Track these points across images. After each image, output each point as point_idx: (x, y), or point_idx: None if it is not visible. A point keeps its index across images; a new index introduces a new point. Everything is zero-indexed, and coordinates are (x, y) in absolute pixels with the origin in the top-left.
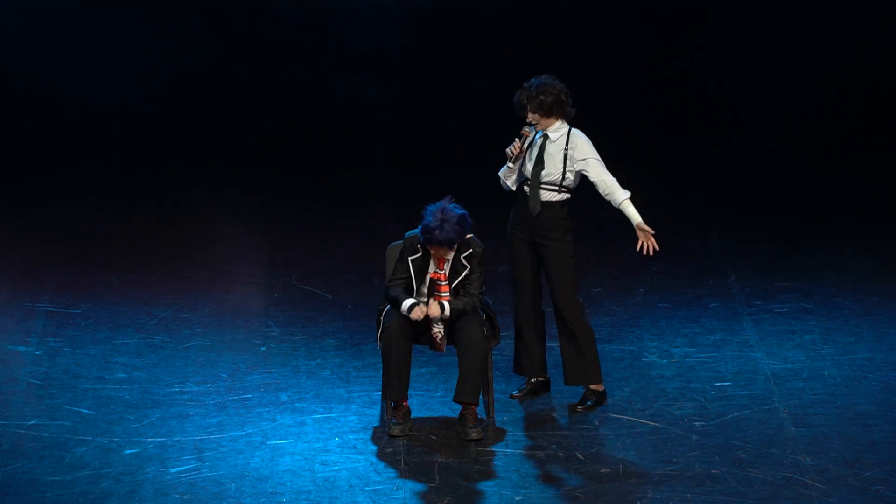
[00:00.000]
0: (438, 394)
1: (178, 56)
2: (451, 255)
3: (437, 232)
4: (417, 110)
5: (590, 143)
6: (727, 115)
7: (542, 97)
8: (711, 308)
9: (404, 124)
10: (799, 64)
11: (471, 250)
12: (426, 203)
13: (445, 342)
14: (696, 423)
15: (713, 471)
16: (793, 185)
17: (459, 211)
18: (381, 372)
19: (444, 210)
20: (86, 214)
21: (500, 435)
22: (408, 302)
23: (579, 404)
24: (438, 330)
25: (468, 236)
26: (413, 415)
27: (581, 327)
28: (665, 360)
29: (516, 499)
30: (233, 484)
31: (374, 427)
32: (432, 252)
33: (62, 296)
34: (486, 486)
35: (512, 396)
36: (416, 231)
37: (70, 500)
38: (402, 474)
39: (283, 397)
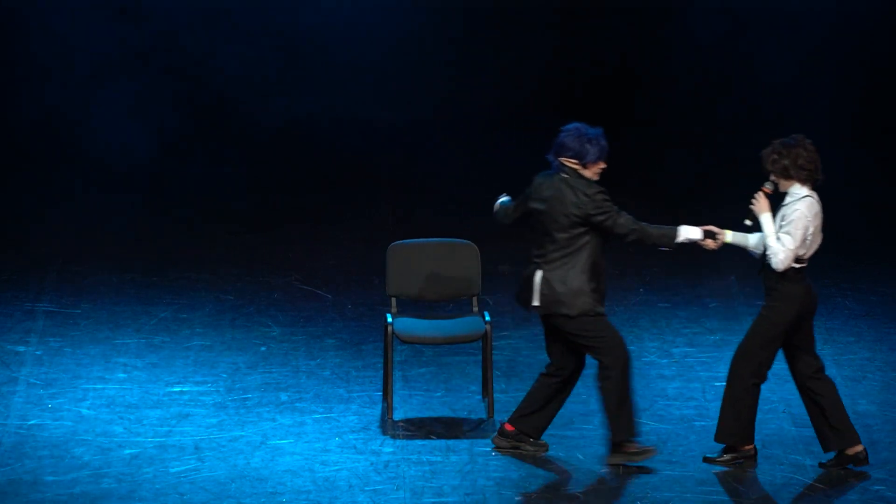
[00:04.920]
0: (438, 394)
1: None
2: None
3: (600, 137)
4: (420, 113)
5: (807, 216)
6: (728, 114)
7: (775, 156)
8: (711, 308)
9: (405, 127)
10: (797, 61)
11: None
12: (425, 206)
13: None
14: (696, 423)
15: (713, 471)
16: None
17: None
18: (381, 372)
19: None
20: (86, 214)
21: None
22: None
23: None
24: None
25: None
26: (413, 415)
27: None
28: (665, 360)
29: (516, 499)
30: (233, 484)
31: (375, 427)
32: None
33: (62, 296)
34: (486, 486)
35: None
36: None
37: (70, 500)
38: (402, 474)
39: (283, 397)
